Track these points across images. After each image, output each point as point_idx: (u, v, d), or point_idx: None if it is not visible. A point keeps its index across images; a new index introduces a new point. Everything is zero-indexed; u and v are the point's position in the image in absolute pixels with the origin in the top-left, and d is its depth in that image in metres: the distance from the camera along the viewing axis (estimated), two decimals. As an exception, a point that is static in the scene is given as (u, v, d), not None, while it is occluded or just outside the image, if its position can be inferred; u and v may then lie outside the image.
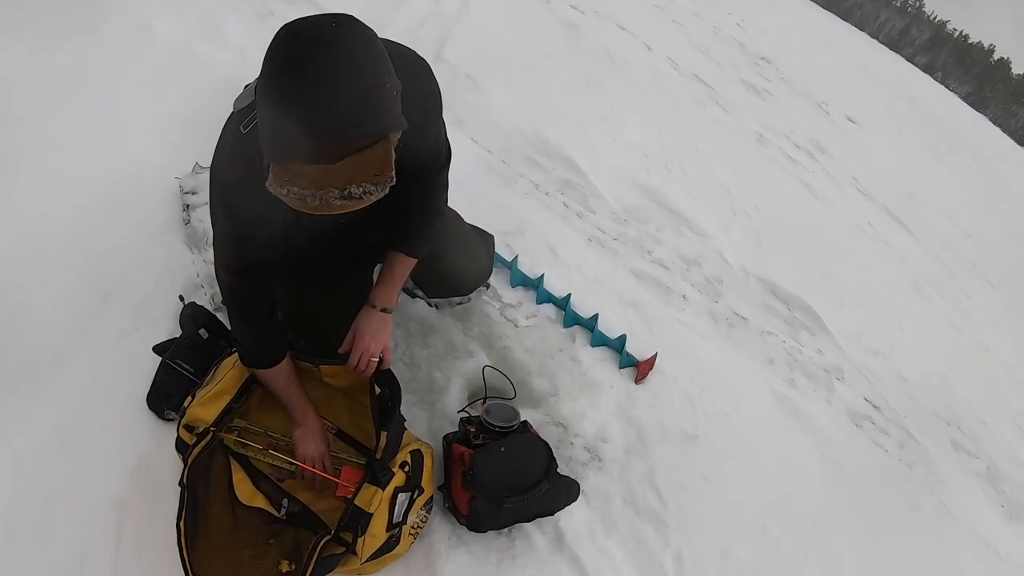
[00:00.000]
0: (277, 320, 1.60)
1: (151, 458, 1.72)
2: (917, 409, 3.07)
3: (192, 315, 1.82)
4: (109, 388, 1.85)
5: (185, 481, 1.46)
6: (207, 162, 2.50)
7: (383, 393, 1.64)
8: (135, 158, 2.53)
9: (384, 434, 1.55)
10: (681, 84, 5.00)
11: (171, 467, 1.66)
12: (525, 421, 1.80)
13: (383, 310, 1.67)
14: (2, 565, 1.55)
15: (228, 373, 1.63)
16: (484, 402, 2.02)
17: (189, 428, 1.59)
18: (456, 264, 1.96)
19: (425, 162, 1.54)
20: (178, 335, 1.84)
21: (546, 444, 1.75)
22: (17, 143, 2.47)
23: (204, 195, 2.38)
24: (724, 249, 3.27)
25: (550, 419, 2.07)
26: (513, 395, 2.07)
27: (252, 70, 1.01)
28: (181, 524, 1.41)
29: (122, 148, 2.56)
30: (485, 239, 2.10)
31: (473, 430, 1.74)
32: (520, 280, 2.43)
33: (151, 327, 1.99)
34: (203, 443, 1.53)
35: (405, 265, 1.67)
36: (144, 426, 1.79)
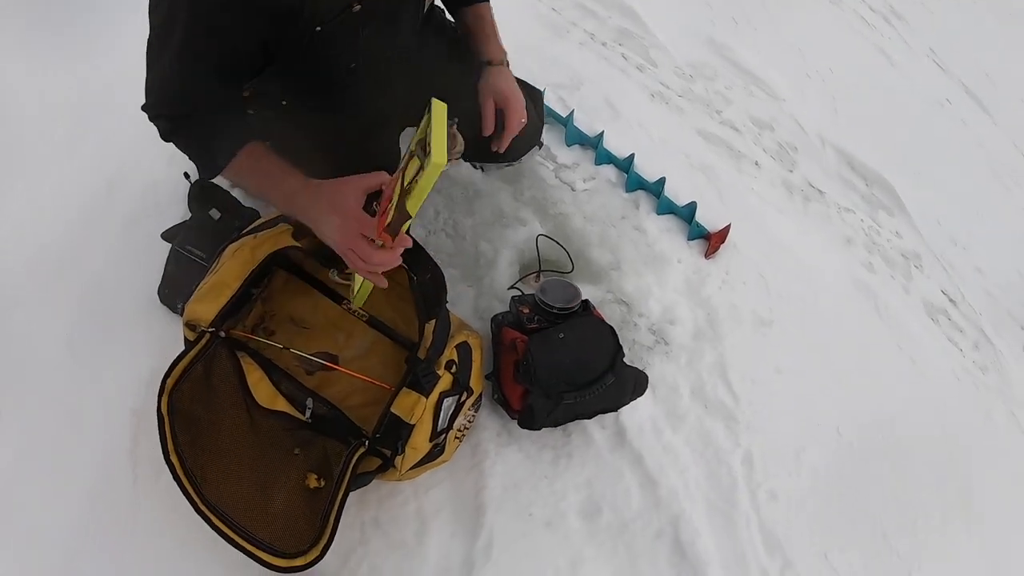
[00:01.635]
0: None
1: (167, 360, 1.50)
2: (993, 307, 2.79)
3: (199, 194, 1.56)
4: (118, 285, 1.68)
5: (164, 409, 1.20)
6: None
7: (423, 279, 1.35)
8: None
9: (429, 326, 1.27)
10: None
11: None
12: (586, 300, 1.52)
13: (505, 64, 1.49)
14: (15, 492, 1.44)
15: (228, 261, 1.34)
16: (538, 277, 1.74)
17: (192, 327, 1.32)
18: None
19: None
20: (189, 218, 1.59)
21: (611, 329, 1.48)
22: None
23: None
24: (798, 114, 2.89)
25: (612, 296, 1.80)
26: (570, 268, 1.79)
27: None
28: (173, 459, 1.16)
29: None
30: (532, 95, 1.75)
31: (527, 311, 1.47)
32: (577, 138, 2.11)
33: (160, 214, 1.79)
34: (191, 354, 1.25)
35: (490, 13, 1.53)
36: (158, 324, 1.61)
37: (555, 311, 1.47)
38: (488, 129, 1.46)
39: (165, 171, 1.88)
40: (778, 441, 1.75)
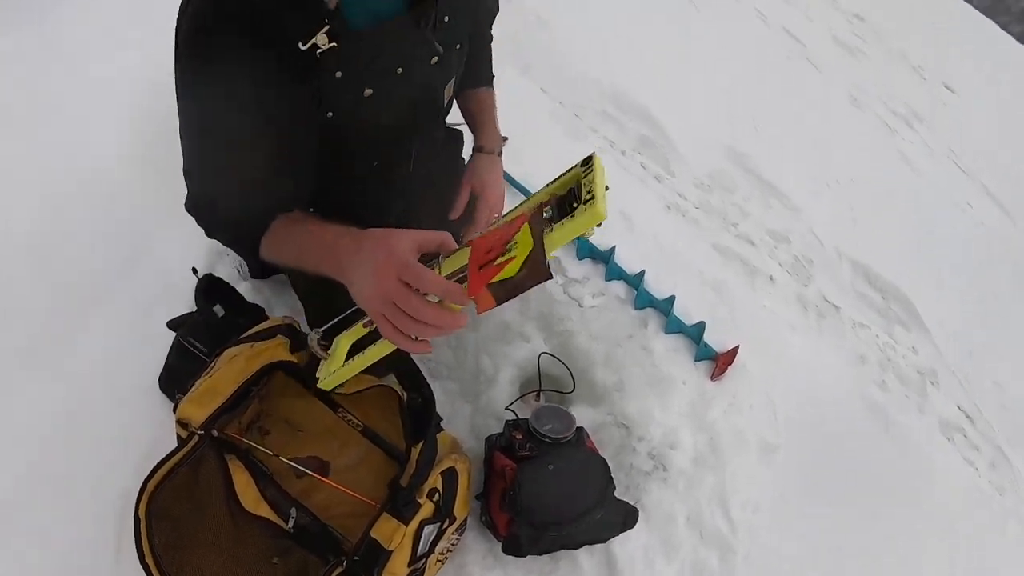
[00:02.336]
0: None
1: (161, 446, 1.48)
2: (1010, 422, 2.71)
3: (207, 288, 1.57)
4: (121, 366, 1.66)
5: (142, 512, 1.17)
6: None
7: (413, 399, 1.34)
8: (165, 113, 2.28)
9: (416, 450, 1.26)
10: (770, 37, 4.53)
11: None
12: (580, 429, 1.49)
13: (496, 152, 1.47)
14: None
15: (224, 367, 1.33)
16: (538, 396, 1.72)
17: (183, 425, 1.31)
18: None
19: (489, 11, 1.46)
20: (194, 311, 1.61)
21: (603, 462, 1.45)
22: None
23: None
24: (816, 224, 2.89)
25: (612, 419, 1.77)
26: (572, 388, 1.76)
27: None
28: (148, 560, 1.14)
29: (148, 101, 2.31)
30: None
31: (519, 437, 1.45)
32: (588, 251, 2.11)
33: (171, 299, 1.77)
34: (177, 457, 1.24)
35: (491, 99, 1.52)
36: (156, 410, 1.59)
37: (547, 440, 1.45)
38: (454, 214, 1.41)
39: (179, 258, 1.90)
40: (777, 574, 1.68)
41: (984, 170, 5.01)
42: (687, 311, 2.03)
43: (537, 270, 0.75)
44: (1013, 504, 2.33)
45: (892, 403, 2.40)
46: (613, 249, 2.10)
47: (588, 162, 0.79)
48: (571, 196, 0.78)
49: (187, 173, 1.11)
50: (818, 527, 1.82)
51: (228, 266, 1.89)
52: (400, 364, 1.44)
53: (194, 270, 1.68)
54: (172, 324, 1.60)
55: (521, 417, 1.55)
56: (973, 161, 5.04)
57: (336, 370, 1.21)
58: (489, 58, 1.54)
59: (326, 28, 0.96)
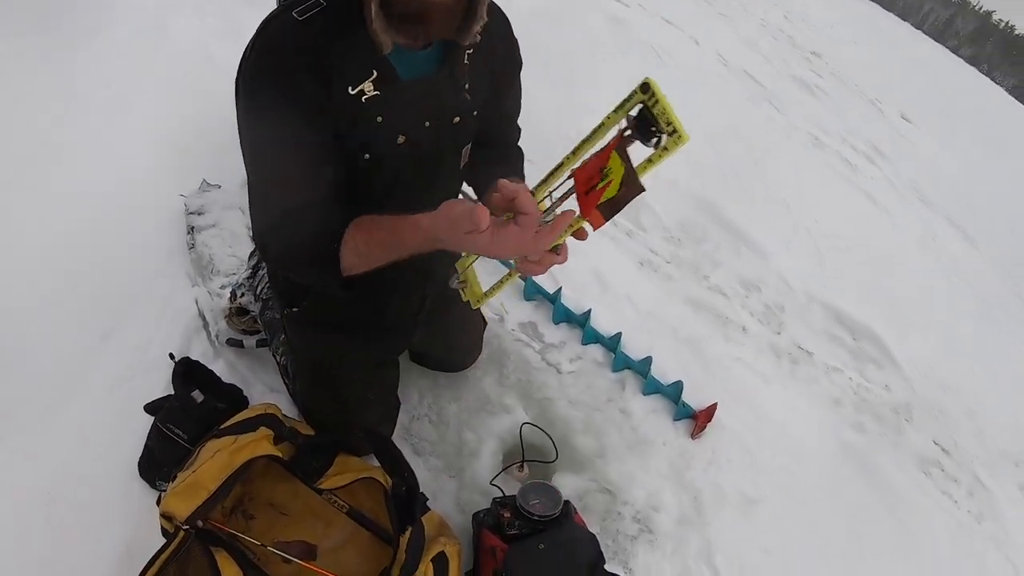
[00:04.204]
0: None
1: (142, 535, 1.47)
2: (985, 449, 2.80)
3: (184, 372, 1.56)
4: (99, 448, 1.63)
5: None
6: (215, 178, 2.28)
7: (397, 485, 1.36)
8: (142, 172, 2.30)
9: (404, 537, 1.27)
10: (732, 81, 4.66)
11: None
12: (567, 504, 1.51)
13: None
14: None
15: (208, 462, 1.35)
16: (521, 467, 1.74)
17: (168, 518, 1.32)
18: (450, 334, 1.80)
19: (515, 106, 1.52)
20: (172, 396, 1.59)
21: (592, 538, 1.46)
22: (13, 154, 2.24)
23: (210, 216, 2.14)
24: (785, 270, 2.96)
25: (596, 485, 1.79)
26: (554, 457, 1.78)
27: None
28: None
29: (127, 162, 2.33)
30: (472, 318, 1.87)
31: (508, 515, 1.46)
32: (564, 316, 2.14)
33: (149, 374, 1.76)
34: (164, 556, 1.25)
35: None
36: (136, 497, 1.56)
37: (536, 518, 1.46)
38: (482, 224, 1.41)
39: (155, 328, 1.90)
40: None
41: (945, 199, 5.15)
42: (664, 371, 2.07)
43: (633, 186, 0.87)
44: (992, 530, 2.39)
45: (869, 444, 2.45)
46: (589, 312, 2.13)
47: (647, 88, 0.83)
48: (646, 120, 0.84)
49: (255, 207, 1.20)
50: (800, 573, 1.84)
51: (203, 342, 1.89)
52: (381, 448, 1.46)
53: (171, 356, 1.67)
54: (150, 408, 1.59)
55: (508, 494, 1.56)
56: (934, 191, 5.18)
57: (483, 293, 1.24)
58: (520, 158, 1.57)
59: (373, 76, 1.10)
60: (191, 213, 2.14)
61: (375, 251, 1.11)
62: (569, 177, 0.95)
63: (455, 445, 1.75)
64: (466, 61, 1.22)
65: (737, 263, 2.84)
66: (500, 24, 1.33)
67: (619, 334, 2.10)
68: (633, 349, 2.09)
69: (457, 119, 1.27)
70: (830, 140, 4.66)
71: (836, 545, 1.97)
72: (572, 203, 0.94)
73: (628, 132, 0.87)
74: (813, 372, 2.61)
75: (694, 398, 2.04)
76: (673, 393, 2.02)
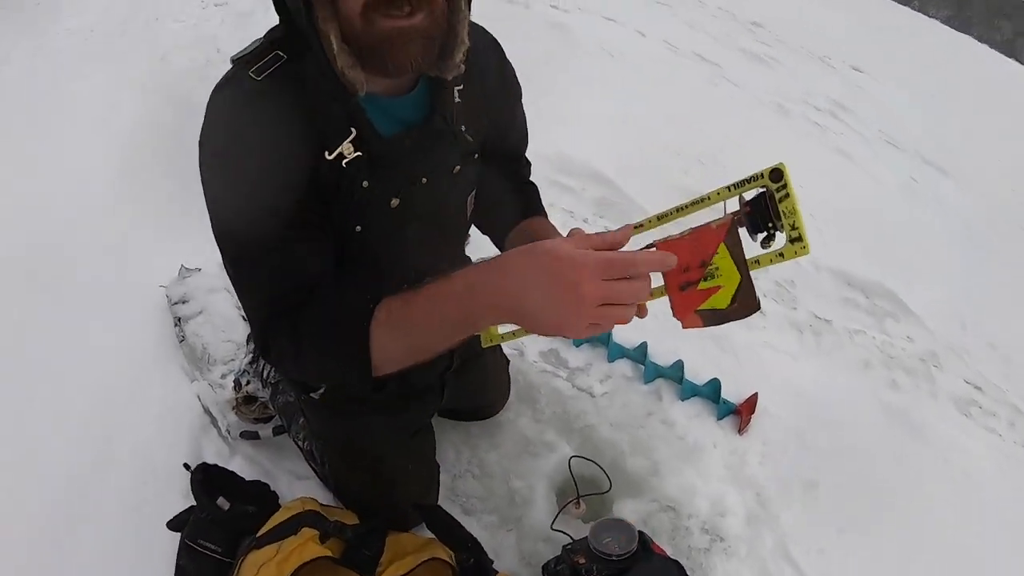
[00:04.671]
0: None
1: None
2: (1015, 376, 2.76)
3: (203, 480, 1.45)
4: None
5: None
6: (193, 262, 2.18)
7: (463, 560, 1.27)
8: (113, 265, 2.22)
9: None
10: (686, 66, 4.64)
11: None
12: (642, 535, 1.42)
13: None
14: None
15: None
16: (578, 504, 1.65)
17: None
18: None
19: (521, 139, 1.41)
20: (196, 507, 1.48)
21: (677, 564, 1.37)
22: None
23: (195, 303, 2.05)
24: (785, 244, 2.91)
25: (657, 504, 1.71)
26: (608, 487, 1.70)
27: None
28: None
29: (99, 258, 2.25)
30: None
31: (583, 561, 1.35)
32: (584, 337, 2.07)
33: (161, 485, 1.67)
34: None
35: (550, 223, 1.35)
36: None
37: (614, 559, 1.37)
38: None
39: (158, 434, 1.81)
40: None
41: (914, 140, 5.15)
42: (696, 371, 2.00)
43: (749, 304, 0.77)
44: None
45: (908, 400, 2.41)
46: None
47: (779, 176, 0.73)
48: (763, 213, 0.75)
49: (246, 305, 1.05)
50: (879, 547, 1.78)
51: (215, 440, 1.80)
52: (433, 520, 1.37)
53: (186, 466, 1.56)
54: (173, 525, 1.47)
55: (575, 537, 1.47)
56: (902, 134, 5.18)
57: (499, 334, 1.04)
58: (537, 193, 1.44)
59: (352, 136, 0.96)
60: (175, 303, 2.05)
61: (413, 330, 0.89)
62: (650, 246, 0.80)
63: (505, 496, 1.67)
64: (457, 99, 1.08)
65: (771, 267, 2.79)
66: (488, 48, 1.21)
67: (644, 344, 2.03)
68: (660, 356, 2.02)
69: (457, 168, 1.14)
70: (793, 105, 4.63)
71: (901, 506, 1.90)
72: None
73: (739, 217, 0.77)
74: (837, 339, 2.56)
75: (732, 393, 1.97)
76: (711, 392, 1.95)
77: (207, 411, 1.84)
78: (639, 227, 0.84)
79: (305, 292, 0.97)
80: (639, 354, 2.02)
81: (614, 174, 2.93)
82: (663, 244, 0.80)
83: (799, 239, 0.73)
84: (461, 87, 1.08)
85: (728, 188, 0.77)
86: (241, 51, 0.97)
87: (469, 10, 1.00)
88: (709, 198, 0.78)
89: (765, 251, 0.77)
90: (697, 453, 1.84)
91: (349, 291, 0.98)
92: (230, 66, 0.98)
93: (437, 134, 1.08)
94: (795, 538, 1.73)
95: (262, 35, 0.99)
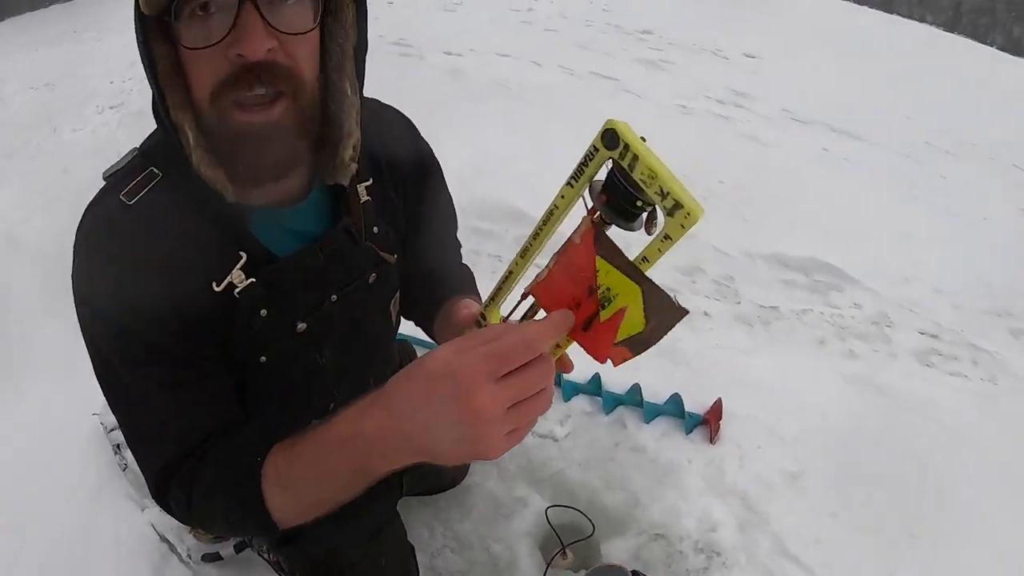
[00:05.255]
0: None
1: None
2: (967, 316, 2.85)
3: None
4: None
5: None
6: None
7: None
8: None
9: None
10: (584, 87, 4.70)
11: None
12: (635, 575, 1.37)
13: None
14: None
15: None
16: (564, 555, 1.59)
17: None
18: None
19: (447, 223, 1.24)
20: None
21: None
22: None
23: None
24: (716, 241, 2.93)
25: (645, 536, 1.67)
26: (591, 531, 1.64)
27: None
28: None
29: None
30: None
31: (581, 617, 1.31)
32: (534, 381, 2.02)
33: None
34: None
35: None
36: None
37: (615, 609, 1.32)
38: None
39: (114, 572, 1.69)
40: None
41: (819, 112, 5.30)
42: (654, 391, 1.97)
43: (668, 313, 0.59)
44: (1010, 384, 2.44)
45: (867, 366, 2.44)
46: (558, 367, 2.02)
47: (614, 139, 0.55)
48: (623, 193, 0.58)
49: (137, 456, 0.91)
50: (876, 522, 1.76)
51: (176, 567, 1.69)
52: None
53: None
54: None
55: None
56: (806, 109, 5.33)
57: None
58: (471, 277, 1.27)
59: (242, 261, 0.84)
60: (111, 431, 1.94)
61: (304, 487, 0.77)
62: (525, 297, 0.68)
63: (487, 564, 1.60)
64: (365, 197, 0.95)
65: (670, 254, 2.79)
66: (398, 131, 1.07)
67: (597, 375, 1.99)
68: (615, 384, 1.99)
69: (372, 277, 1.00)
70: (695, 103, 4.73)
71: (888, 475, 1.90)
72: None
73: (598, 214, 0.61)
74: (787, 324, 2.57)
75: (695, 403, 1.95)
76: (674, 409, 1.92)
77: (163, 538, 1.73)
78: (509, 275, 0.71)
79: (201, 440, 0.86)
80: (594, 387, 1.98)
81: (532, 208, 2.91)
82: (537, 288, 0.66)
83: (678, 205, 0.54)
84: (369, 182, 0.95)
85: (569, 184, 0.62)
86: (113, 165, 0.86)
87: (359, 96, 0.86)
88: (557, 207, 0.64)
89: (649, 240, 0.59)
90: (673, 473, 1.80)
91: (240, 444, 0.84)
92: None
93: (344, 245, 0.95)
94: (790, 534, 1.71)
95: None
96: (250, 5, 0.70)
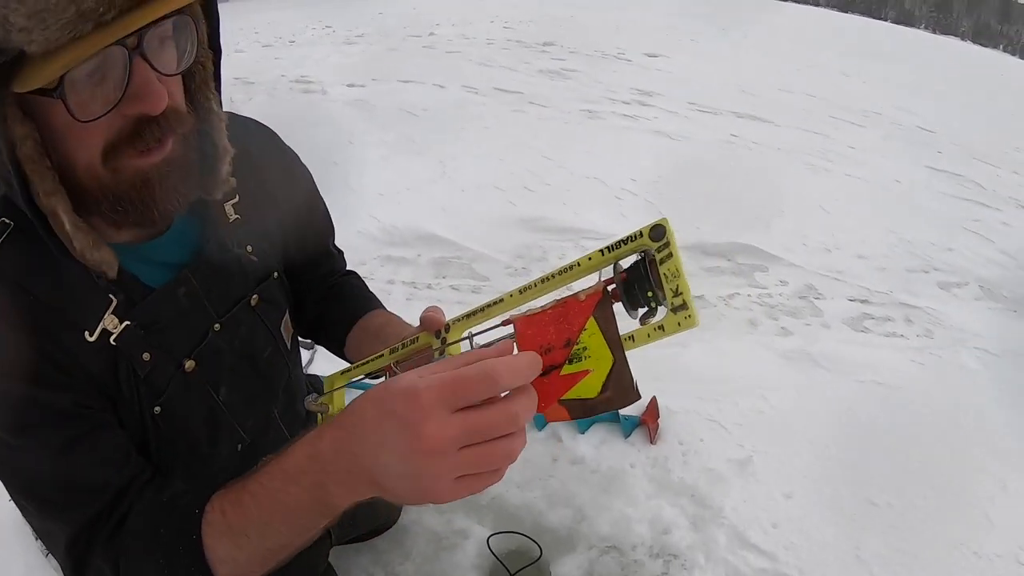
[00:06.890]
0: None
1: None
2: (894, 277, 2.93)
3: None
4: None
5: None
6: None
7: None
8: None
9: None
10: (491, 104, 4.69)
11: None
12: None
13: None
14: None
15: None
16: (516, 583, 1.50)
17: None
18: None
19: (325, 231, 1.19)
20: None
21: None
22: None
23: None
24: (629, 239, 2.91)
25: (596, 550, 1.59)
26: (539, 554, 1.56)
27: None
28: None
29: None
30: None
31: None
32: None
33: None
34: None
35: (393, 316, 1.12)
36: None
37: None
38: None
39: None
40: (835, 559, 1.60)
41: (724, 101, 5.43)
42: (585, 398, 1.91)
43: (623, 392, 0.61)
44: (947, 336, 2.49)
45: (801, 340, 2.44)
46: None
47: (660, 233, 0.60)
48: (643, 282, 0.61)
49: (45, 535, 0.84)
50: (832, 496, 1.74)
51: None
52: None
53: None
54: None
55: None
56: (711, 100, 5.45)
57: None
58: (361, 282, 1.23)
59: (113, 305, 0.77)
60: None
61: (257, 532, 0.68)
62: (506, 323, 0.67)
63: (435, 605, 1.50)
64: (234, 216, 0.90)
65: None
66: (260, 141, 1.01)
67: (524, 390, 1.91)
68: (544, 395, 1.91)
69: (255, 298, 0.95)
70: (600, 107, 4.78)
71: (837, 447, 1.88)
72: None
73: (613, 287, 0.63)
74: (715, 311, 2.57)
75: (630, 406, 1.88)
76: (609, 414, 1.85)
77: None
78: (498, 303, 0.70)
79: (110, 502, 0.77)
80: (523, 402, 1.90)
81: (444, 230, 2.86)
82: (523, 321, 0.65)
83: (683, 307, 0.58)
84: (236, 200, 0.90)
85: (602, 252, 0.64)
86: None
87: (222, 107, 0.83)
88: (579, 264, 0.66)
89: (642, 325, 0.62)
90: (617, 480, 1.73)
91: (169, 499, 0.77)
92: None
93: (216, 268, 0.89)
94: (747, 523, 1.66)
95: None
96: (139, 59, 0.65)
